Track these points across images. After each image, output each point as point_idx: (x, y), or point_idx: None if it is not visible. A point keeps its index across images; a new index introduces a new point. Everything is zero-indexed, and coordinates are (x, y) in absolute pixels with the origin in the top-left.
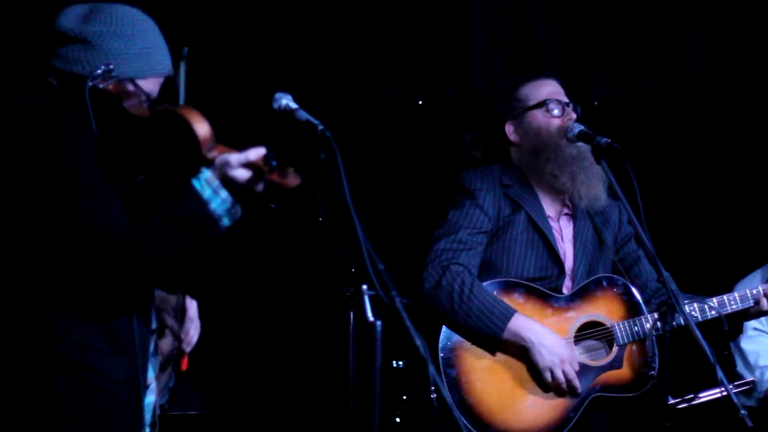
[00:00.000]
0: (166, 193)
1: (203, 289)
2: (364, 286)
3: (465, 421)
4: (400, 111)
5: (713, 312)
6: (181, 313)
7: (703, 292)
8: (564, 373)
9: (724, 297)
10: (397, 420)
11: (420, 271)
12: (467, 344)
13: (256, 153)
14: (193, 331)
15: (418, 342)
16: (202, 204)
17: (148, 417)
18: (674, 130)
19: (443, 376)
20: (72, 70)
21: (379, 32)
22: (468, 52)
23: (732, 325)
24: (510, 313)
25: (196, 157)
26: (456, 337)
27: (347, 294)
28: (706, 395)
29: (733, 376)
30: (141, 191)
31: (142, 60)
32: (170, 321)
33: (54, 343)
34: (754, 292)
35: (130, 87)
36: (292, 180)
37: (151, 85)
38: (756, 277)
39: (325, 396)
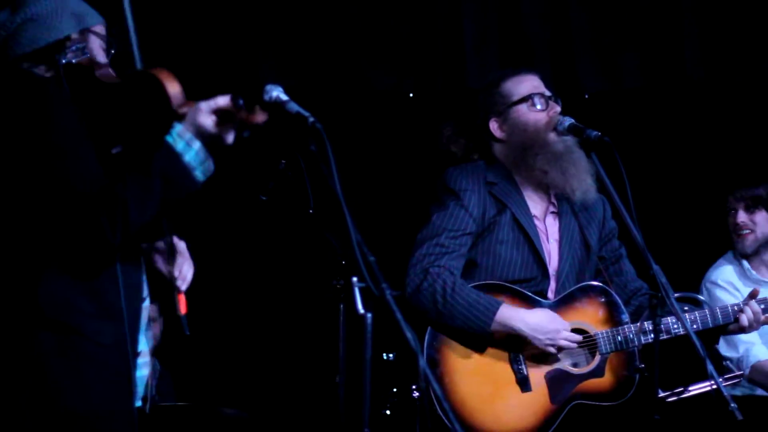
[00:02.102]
0: (142, 159)
1: (193, 282)
2: (355, 279)
3: (446, 421)
4: (392, 103)
5: (696, 326)
6: (170, 253)
7: (692, 286)
8: (567, 339)
9: (706, 311)
10: (387, 412)
11: (404, 274)
12: (453, 344)
13: (223, 98)
14: (186, 267)
15: (409, 334)
16: (176, 157)
17: (141, 390)
18: (665, 122)
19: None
20: (36, 47)
21: (370, 24)
22: (460, 44)
23: (711, 337)
24: (495, 305)
25: (167, 115)
26: (441, 337)
27: (338, 286)
28: (696, 388)
29: (723, 369)
30: (118, 162)
31: (89, 10)
32: (161, 263)
33: (38, 303)
34: (736, 308)
35: (94, 48)
36: (260, 116)
37: (98, 34)
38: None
39: (315, 388)
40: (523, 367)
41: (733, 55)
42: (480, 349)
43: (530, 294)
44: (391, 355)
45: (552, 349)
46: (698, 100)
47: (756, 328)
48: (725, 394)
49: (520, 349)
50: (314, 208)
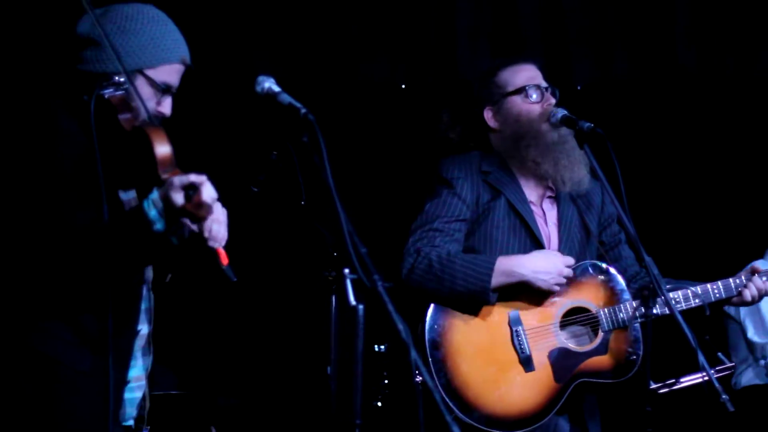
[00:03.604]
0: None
1: (184, 273)
2: (346, 270)
3: (452, 405)
4: (384, 94)
5: (697, 300)
6: None
7: (685, 276)
8: (565, 276)
9: (708, 285)
10: (379, 404)
11: (398, 262)
12: (455, 327)
13: (196, 177)
14: (215, 227)
15: (400, 326)
16: (146, 223)
17: (131, 411)
18: (657, 113)
19: (430, 359)
20: (89, 69)
21: (363, 16)
22: (452, 35)
23: (712, 312)
24: (492, 259)
25: (152, 177)
26: (443, 320)
27: (329, 278)
28: (688, 380)
29: (715, 360)
30: (121, 202)
31: (148, 51)
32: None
33: (21, 331)
34: (737, 281)
35: (136, 96)
36: (202, 212)
37: (165, 75)
38: None
39: (306, 380)
40: (526, 346)
41: (724, 47)
42: (482, 330)
43: None
44: (382, 347)
45: (557, 288)
46: (689, 90)
47: (758, 301)
48: (717, 385)
49: (525, 300)
50: (306, 199)
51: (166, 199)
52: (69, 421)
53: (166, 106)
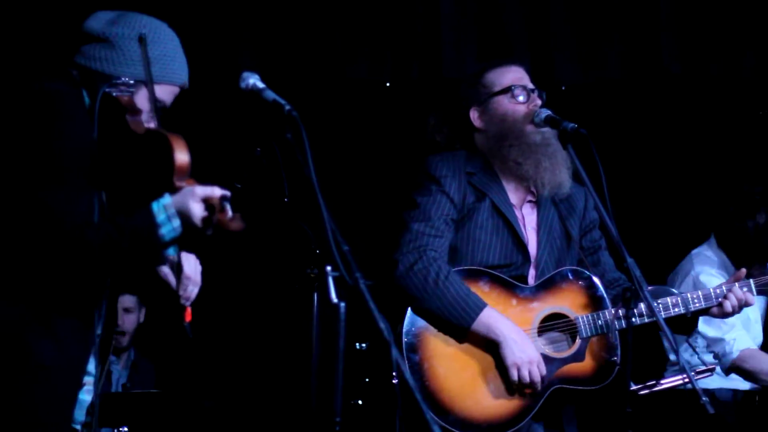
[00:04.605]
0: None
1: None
2: (329, 267)
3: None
4: (368, 92)
5: (677, 309)
6: (176, 274)
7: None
8: (530, 373)
9: (688, 295)
10: (360, 402)
11: (392, 251)
12: (432, 330)
13: (219, 190)
14: (191, 287)
15: (382, 324)
16: (152, 226)
17: (80, 415)
18: (642, 115)
19: (406, 361)
20: (92, 66)
21: (348, 14)
22: (437, 34)
23: (689, 324)
24: (481, 305)
25: (166, 182)
26: (421, 322)
27: (311, 275)
28: (668, 382)
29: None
30: (118, 201)
31: (157, 66)
32: (169, 276)
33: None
34: (718, 291)
35: (141, 101)
36: (236, 224)
37: (164, 93)
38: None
39: (287, 377)
40: None
41: (710, 48)
42: (461, 337)
43: (510, 279)
44: (364, 345)
45: (514, 372)
46: (674, 92)
47: (738, 312)
48: (697, 387)
49: (490, 353)
50: (289, 196)
51: (183, 207)
52: (32, 411)
53: (153, 123)
